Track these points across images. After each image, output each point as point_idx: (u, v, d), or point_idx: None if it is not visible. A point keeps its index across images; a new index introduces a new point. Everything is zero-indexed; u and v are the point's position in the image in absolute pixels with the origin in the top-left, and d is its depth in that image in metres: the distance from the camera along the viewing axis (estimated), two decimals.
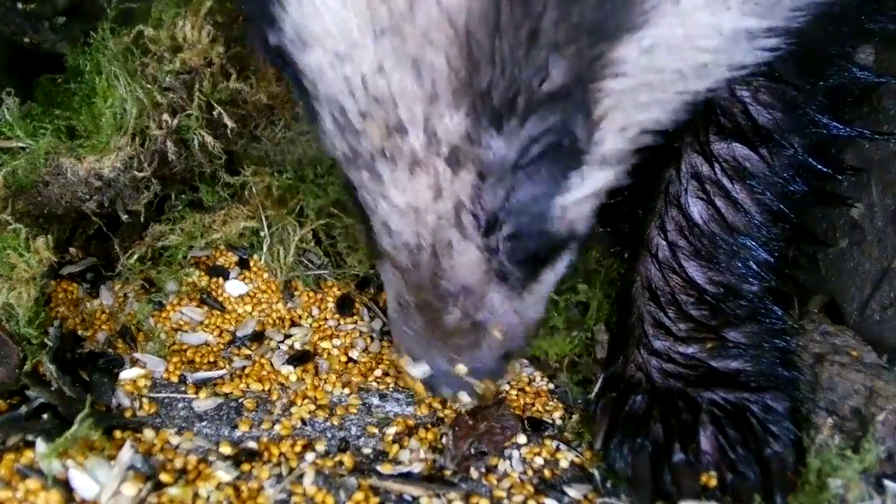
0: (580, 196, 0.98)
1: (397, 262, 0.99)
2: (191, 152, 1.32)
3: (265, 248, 1.40)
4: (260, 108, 1.37)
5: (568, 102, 0.86)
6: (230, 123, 1.30)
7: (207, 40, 1.27)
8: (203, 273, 1.39)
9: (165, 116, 1.26)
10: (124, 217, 1.32)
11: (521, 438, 1.16)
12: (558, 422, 1.23)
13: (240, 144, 1.38)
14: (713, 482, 1.04)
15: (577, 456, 1.15)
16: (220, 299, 1.37)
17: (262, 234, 1.40)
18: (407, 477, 1.05)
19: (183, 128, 1.29)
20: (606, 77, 0.85)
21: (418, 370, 1.10)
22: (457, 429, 1.11)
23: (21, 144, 1.23)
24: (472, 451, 1.09)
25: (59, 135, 1.25)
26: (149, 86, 1.25)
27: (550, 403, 1.27)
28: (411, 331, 1.06)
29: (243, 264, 1.43)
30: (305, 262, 1.43)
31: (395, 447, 1.12)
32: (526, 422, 1.20)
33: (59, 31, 1.49)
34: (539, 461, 1.13)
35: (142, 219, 1.34)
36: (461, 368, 1.07)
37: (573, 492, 1.07)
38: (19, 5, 1.47)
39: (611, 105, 0.89)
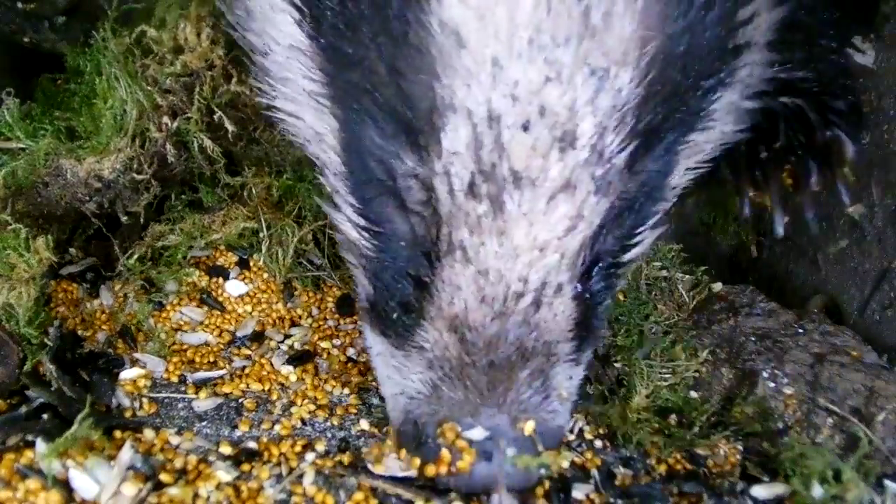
0: (648, 238, 0.96)
1: (471, 321, 0.86)
2: (190, 154, 1.32)
3: (264, 249, 1.40)
4: (259, 112, 1.37)
5: (671, 148, 0.86)
6: (231, 127, 1.30)
7: (207, 43, 1.27)
8: (203, 273, 1.39)
9: (165, 119, 1.26)
10: (124, 218, 1.32)
11: None
12: None
13: (239, 146, 1.38)
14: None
15: (577, 456, 1.15)
16: (220, 299, 1.37)
17: (261, 235, 1.40)
18: (404, 481, 1.04)
19: (182, 130, 1.29)
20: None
21: (474, 433, 0.92)
22: None
23: (21, 145, 1.23)
24: None
25: (59, 136, 1.25)
26: (149, 88, 1.25)
27: None
28: (462, 395, 0.91)
29: (243, 264, 1.43)
30: (305, 262, 1.43)
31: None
32: None
33: (60, 30, 1.48)
34: None
35: (141, 219, 1.34)
36: (530, 425, 0.92)
37: (573, 492, 1.07)
38: (19, 4, 1.46)
39: (689, 153, 0.92)
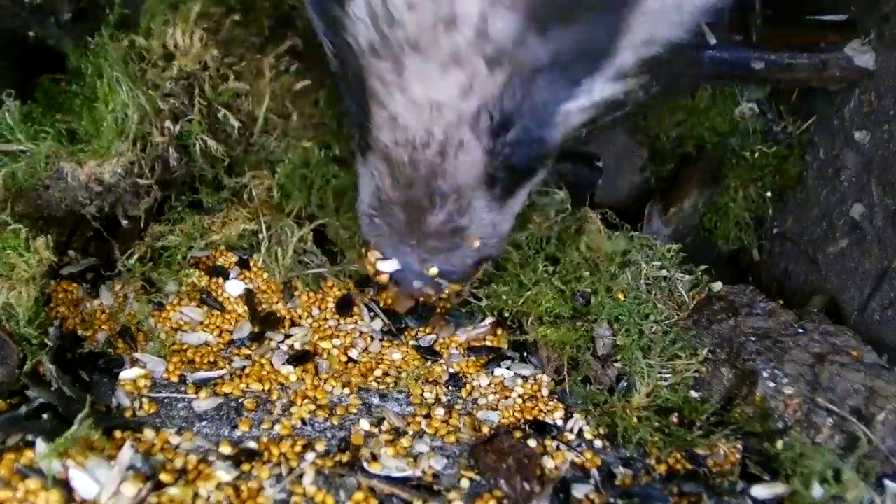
0: (585, 104, 1.01)
1: (393, 157, 1.01)
2: (192, 158, 1.32)
3: (263, 250, 1.40)
4: (254, 118, 1.38)
5: (610, 12, 0.90)
6: (235, 123, 1.31)
7: (200, 45, 1.27)
8: (203, 273, 1.39)
9: (168, 123, 1.26)
10: (124, 222, 1.32)
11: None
12: (559, 422, 1.23)
13: (238, 150, 1.39)
14: None
15: (577, 456, 1.15)
16: (220, 299, 1.37)
17: (260, 235, 1.40)
18: (401, 481, 1.04)
19: (185, 133, 1.29)
20: None
21: (388, 265, 1.19)
22: (490, 476, 1.08)
23: (21, 147, 1.23)
24: (525, 486, 1.07)
25: (60, 138, 1.25)
26: (150, 91, 1.26)
27: (550, 403, 1.27)
28: (387, 227, 1.10)
29: (243, 264, 1.43)
30: (305, 261, 1.43)
31: (394, 448, 1.11)
32: (528, 423, 1.21)
33: (65, 27, 1.48)
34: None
35: (142, 222, 1.34)
36: (433, 270, 1.16)
37: (573, 492, 1.07)
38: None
39: (642, 20, 0.93)
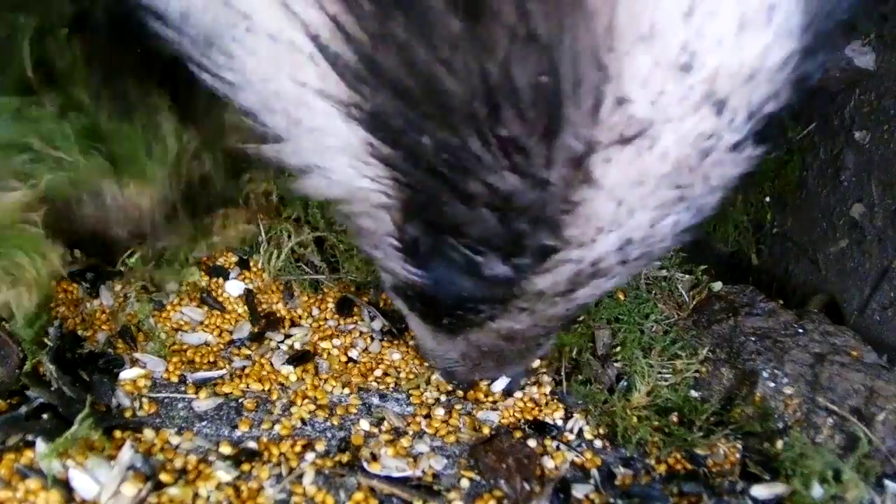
0: None
1: (512, 332, 1.03)
2: (214, 185, 1.33)
3: (262, 252, 1.40)
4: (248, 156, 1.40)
5: None
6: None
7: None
8: (203, 273, 1.39)
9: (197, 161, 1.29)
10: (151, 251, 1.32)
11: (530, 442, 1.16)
12: (559, 422, 1.23)
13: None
14: None
15: (577, 456, 1.15)
16: (220, 299, 1.37)
17: (259, 238, 1.40)
18: (401, 481, 1.04)
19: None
20: None
21: (500, 384, 1.26)
22: (490, 476, 1.09)
23: (69, 159, 1.22)
24: (525, 486, 1.07)
25: (109, 157, 1.23)
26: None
27: (551, 404, 1.27)
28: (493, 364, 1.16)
29: (243, 264, 1.43)
30: (304, 266, 1.43)
31: (394, 448, 1.12)
32: (528, 423, 1.21)
33: None
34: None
35: None
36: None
37: (573, 492, 1.07)
38: None
39: None
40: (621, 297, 1.35)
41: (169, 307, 1.33)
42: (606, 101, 0.68)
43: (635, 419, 1.20)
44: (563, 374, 1.31)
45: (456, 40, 0.68)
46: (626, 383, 1.27)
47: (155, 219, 1.27)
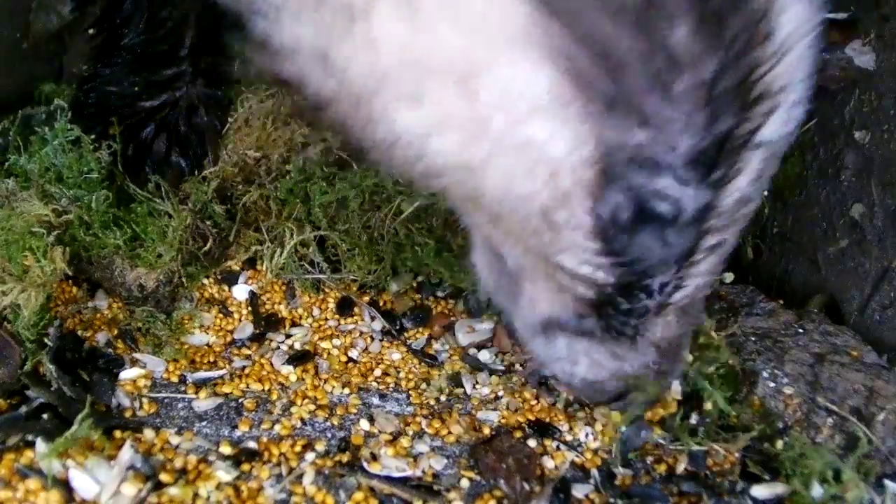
0: None
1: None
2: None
3: (265, 250, 1.40)
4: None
5: None
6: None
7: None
8: (212, 282, 1.39)
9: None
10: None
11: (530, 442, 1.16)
12: (559, 422, 1.23)
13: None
14: None
15: (577, 456, 1.15)
16: (227, 304, 1.37)
17: (260, 238, 1.41)
18: (401, 480, 1.04)
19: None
20: None
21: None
22: (490, 476, 1.09)
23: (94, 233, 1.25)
24: (525, 486, 1.07)
25: (125, 236, 1.26)
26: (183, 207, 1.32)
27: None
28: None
29: (251, 262, 1.43)
30: (306, 265, 1.43)
31: (394, 448, 1.11)
32: (528, 423, 1.21)
33: None
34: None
35: None
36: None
37: (573, 492, 1.07)
38: None
39: None
40: None
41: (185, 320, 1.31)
42: None
43: None
44: None
45: None
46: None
47: (159, 296, 1.30)
